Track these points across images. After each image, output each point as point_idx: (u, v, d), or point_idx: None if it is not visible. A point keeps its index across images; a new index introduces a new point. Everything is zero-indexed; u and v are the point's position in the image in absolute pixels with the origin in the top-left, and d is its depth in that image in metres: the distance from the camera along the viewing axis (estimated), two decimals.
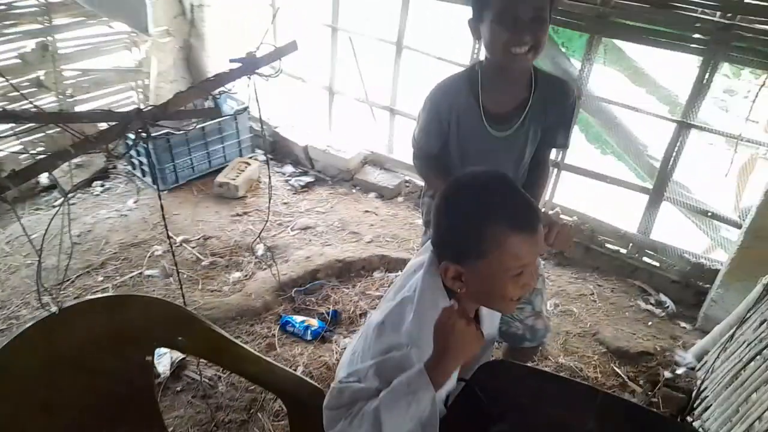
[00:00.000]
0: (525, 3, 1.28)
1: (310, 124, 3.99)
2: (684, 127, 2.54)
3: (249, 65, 1.49)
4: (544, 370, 2.13)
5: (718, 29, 2.31)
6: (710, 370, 2.18)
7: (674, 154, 2.61)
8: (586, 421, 1.08)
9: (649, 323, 2.69)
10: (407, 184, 3.65)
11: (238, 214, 3.31)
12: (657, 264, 2.91)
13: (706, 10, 2.32)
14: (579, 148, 2.84)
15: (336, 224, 3.28)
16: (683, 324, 2.71)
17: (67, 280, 2.67)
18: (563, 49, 3.07)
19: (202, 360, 2.14)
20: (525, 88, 1.47)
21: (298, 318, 2.53)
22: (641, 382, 2.37)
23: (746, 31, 2.26)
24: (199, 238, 3.05)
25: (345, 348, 2.46)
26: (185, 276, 2.78)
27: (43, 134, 3.31)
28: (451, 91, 1.50)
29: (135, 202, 3.32)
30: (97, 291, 2.63)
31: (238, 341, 1.31)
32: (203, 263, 2.88)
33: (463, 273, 0.98)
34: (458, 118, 1.50)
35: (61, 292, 2.60)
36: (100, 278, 2.72)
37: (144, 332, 1.16)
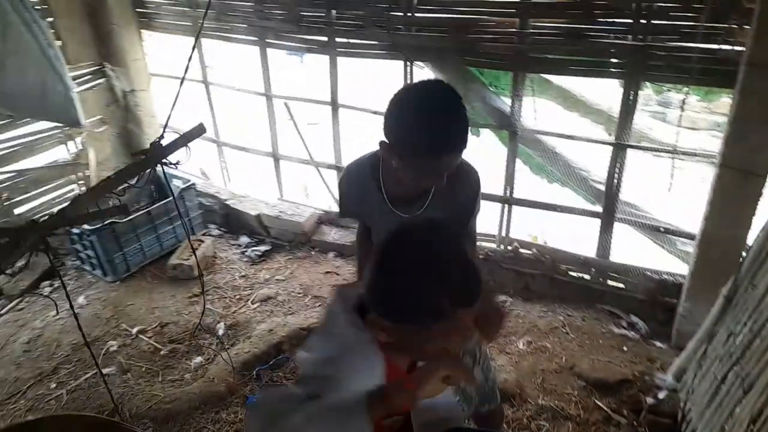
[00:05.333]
0: (443, 165, 1.25)
1: (260, 192, 3.96)
2: (619, 148, 2.57)
3: (155, 156, 1.45)
4: None
5: (632, 52, 2.37)
6: (690, 390, 2.12)
7: (616, 174, 2.63)
8: None
9: (624, 348, 2.64)
10: None
11: (195, 295, 3.20)
12: (622, 285, 2.88)
13: (618, 35, 2.39)
14: (525, 181, 2.84)
15: (297, 291, 3.19)
16: (659, 343, 2.66)
17: (18, 393, 2.52)
18: (492, 89, 3.11)
19: None
20: None
21: None
22: (625, 412, 2.29)
23: (659, 50, 2.33)
24: (156, 326, 2.93)
25: None
26: (143, 369, 2.65)
27: None
28: (356, 176, 1.52)
29: (86, 298, 3.18)
30: (50, 399, 2.48)
31: None
32: (162, 353, 2.74)
33: (387, 328, 0.92)
34: (363, 200, 1.51)
35: (12, 406, 2.45)
36: (53, 385, 2.57)
37: None
